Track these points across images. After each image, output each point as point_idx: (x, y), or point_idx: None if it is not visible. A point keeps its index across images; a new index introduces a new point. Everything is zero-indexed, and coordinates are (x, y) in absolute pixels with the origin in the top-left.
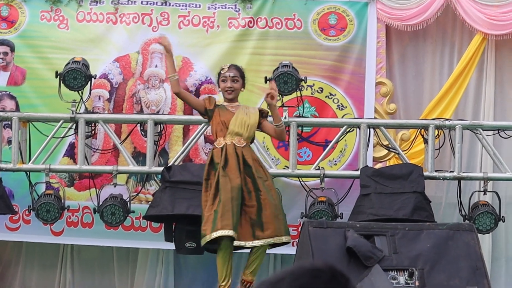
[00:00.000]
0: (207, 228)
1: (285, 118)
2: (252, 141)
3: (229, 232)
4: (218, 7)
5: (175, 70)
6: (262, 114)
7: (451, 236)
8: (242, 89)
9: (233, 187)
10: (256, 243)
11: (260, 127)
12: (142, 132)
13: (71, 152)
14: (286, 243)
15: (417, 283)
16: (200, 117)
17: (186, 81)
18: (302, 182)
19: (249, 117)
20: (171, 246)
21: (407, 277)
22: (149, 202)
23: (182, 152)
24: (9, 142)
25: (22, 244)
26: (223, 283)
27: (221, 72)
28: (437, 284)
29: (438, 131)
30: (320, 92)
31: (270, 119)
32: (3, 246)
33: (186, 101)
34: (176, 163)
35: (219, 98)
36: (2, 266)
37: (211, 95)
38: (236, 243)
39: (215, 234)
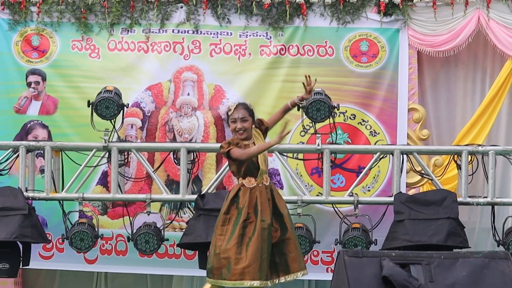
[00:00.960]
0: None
1: (318, 145)
2: None
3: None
4: (250, 35)
5: None
6: (263, 130)
7: (486, 265)
8: (254, 125)
9: (266, 233)
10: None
11: (269, 129)
12: (175, 160)
13: (104, 181)
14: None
15: None
16: None
17: (218, 109)
18: (336, 209)
19: None
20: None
21: None
22: (183, 230)
23: (216, 180)
24: (42, 171)
25: (55, 272)
26: None
27: (229, 113)
28: None
29: (471, 157)
30: (352, 118)
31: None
32: (36, 274)
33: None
34: (209, 191)
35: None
36: None
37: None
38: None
39: (247, 283)
